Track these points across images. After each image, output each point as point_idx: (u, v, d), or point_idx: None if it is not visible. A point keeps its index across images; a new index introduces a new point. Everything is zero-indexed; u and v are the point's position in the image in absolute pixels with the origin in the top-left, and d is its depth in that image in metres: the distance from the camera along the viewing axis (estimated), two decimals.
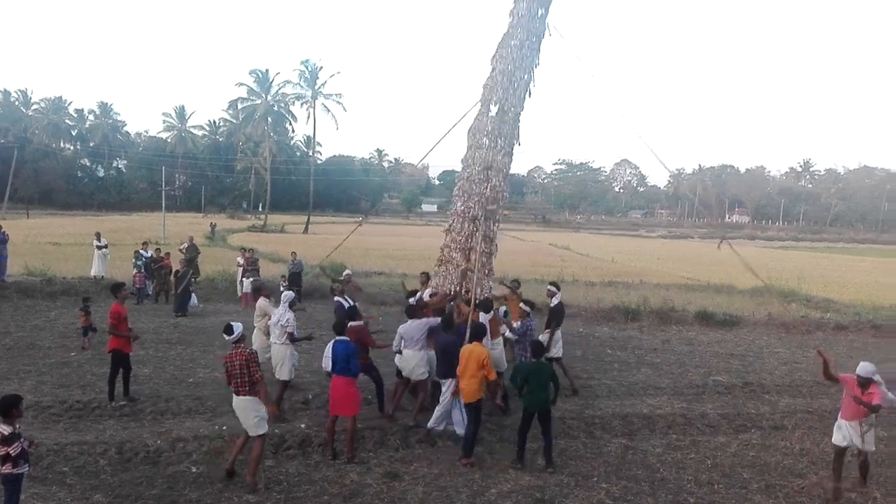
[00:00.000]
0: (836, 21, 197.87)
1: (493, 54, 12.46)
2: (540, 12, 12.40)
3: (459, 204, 11.99)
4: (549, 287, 12.73)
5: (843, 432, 8.37)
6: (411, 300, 11.49)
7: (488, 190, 12.08)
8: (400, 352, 10.38)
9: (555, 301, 12.34)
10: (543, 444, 8.67)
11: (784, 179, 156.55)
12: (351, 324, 10.01)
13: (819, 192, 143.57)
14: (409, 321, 10.30)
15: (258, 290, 12.35)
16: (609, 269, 34.71)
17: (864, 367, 8.32)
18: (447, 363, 9.45)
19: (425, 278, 12.95)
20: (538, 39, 12.38)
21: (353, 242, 22.55)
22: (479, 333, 9.24)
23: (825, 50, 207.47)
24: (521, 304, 11.40)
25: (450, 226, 12.10)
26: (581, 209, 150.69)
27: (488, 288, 12.42)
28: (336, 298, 12.57)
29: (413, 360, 10.15)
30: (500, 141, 12.16)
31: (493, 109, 12.20)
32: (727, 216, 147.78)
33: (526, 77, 12.32)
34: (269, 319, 11.05)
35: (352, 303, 12.48)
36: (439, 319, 10.24)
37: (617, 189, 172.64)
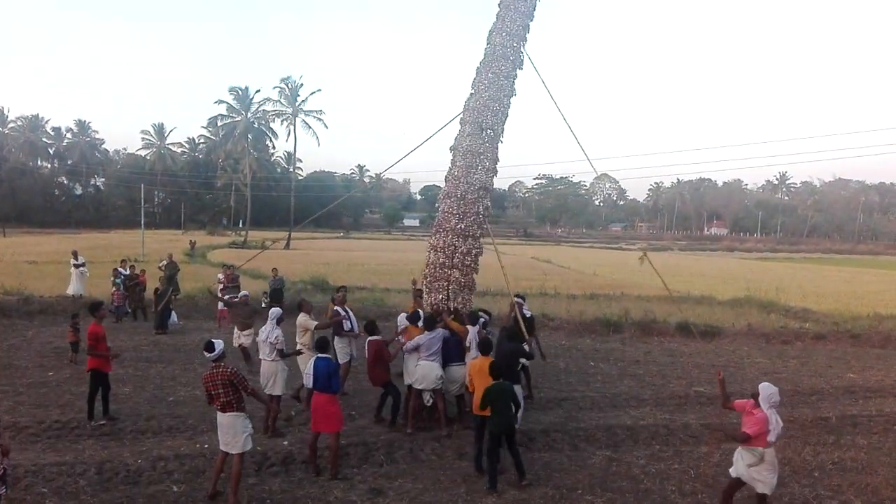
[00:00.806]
0: (808, 38, 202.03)
1: (473, 78, 12.72)
2: (515, 44, 12.81)
3: (454, 221, 12.06)
4: (517, 299, 12.94)
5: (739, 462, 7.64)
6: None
7: (481, 209, 12.28)
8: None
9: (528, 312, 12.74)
10: (514, 461, 8.65)
11: (761, 192, 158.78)
12: (370, 338, 10.59)
13: (796, 205, 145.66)
14: (428, 332, 10.45)
15: (300, 305, 12.14)
16: (590, 281, 34.89)
17: (761, 388, 7.48)
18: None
19: (418, 293, 13.04)
20: (514, 68, 12.73)
21: (336, 257, 22.57)
22: (486, 347, 9.52)
23: (796, 65, 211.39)
24: (480, 312, 11.69)
25: (444, 243, 12.13)
26: (562, 223, 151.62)
27: (471, 302, 12.52)
28: (335, 308, 12.49)
29: (433, 371, 10.38)
30: (487, 162, 12.35)
31: (484, 131, 12.38)
32: (706, 228, 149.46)
33: (506, 101, 12.63)
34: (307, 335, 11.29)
35: (350, 314, 12.46)
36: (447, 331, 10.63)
37: (597, 203, 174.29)
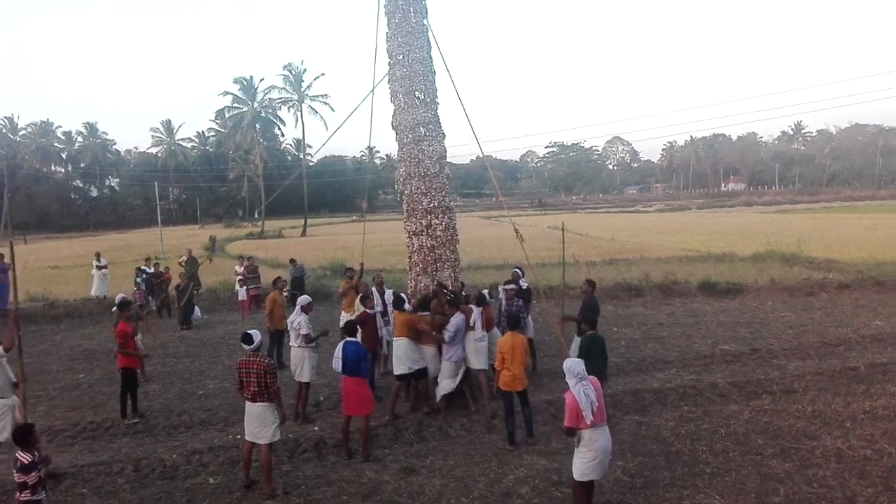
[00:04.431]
0: None
1: (386, 47, 12.47)
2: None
3: (426, 201, 11.94)
4: (515, 270, 12.99)
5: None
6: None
7: (444, 179, 12.17)
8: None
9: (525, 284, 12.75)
10: (526, 418, 9.23)
11: (777, 144, 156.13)
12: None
13: (813, 154, 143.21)
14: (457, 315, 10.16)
15: (363, 299, 12.06)
16: (609, 247, 34.70)
17: (564, 367, 6.82)
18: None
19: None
20: (422, 18, 12.41)
21: (354, 241, 22.63)
22: (514, 322, 9.35)
23: (803, 11, 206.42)
24: (505, 287, 11.81)
25: (422, 225, 11.99)
26: (576, 190, 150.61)
27: (460, 280, 12.49)
28: (372, 289, 12.43)
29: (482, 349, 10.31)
30: (434, 128, 12.20)
31: (418, 99, 12.16)
32: (723, 185, 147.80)
33: (428, 60, 12.35)
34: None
35: (385, 296, 12.29)
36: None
37: (611, 167, 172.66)
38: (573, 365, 6.72)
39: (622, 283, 21.19)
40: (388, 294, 12.22)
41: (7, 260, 21.44)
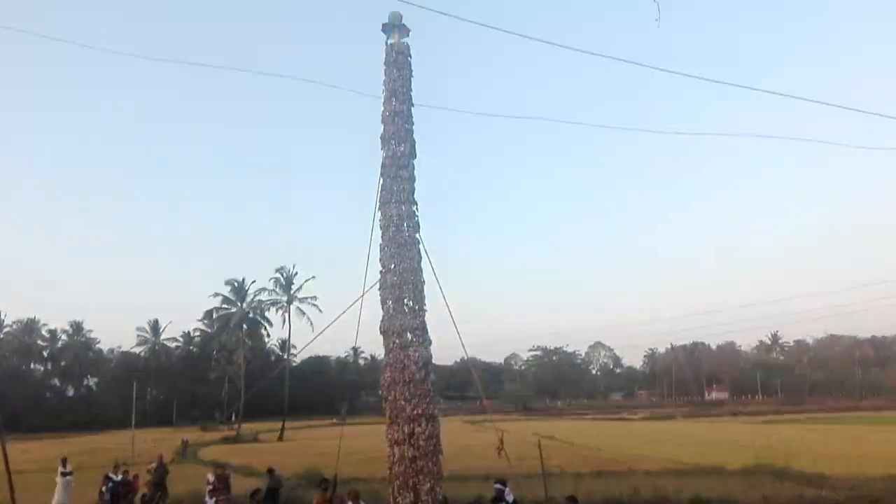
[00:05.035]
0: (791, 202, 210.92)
1: (379, 256, 13.17)
2: (409, 209, 13.40)
3: (409, 408, 11.93)
4: (497, 486, 12.71)
5: None
6: None
7: (430, 385, 12.27)
8: None
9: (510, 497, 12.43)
10: None
11: (755, 353, 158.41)
12: None
13: (792, 364, 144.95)
14: None
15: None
16: (595, 457, 33.83)
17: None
18: None
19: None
20: (415, 233, 13.22)
21: (332, 446, 22.03)
22: None
23: (780, 229, 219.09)
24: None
25: (404, 433, 11.84)
26: (561, 394, 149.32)
27: (441, 494, 12.13)
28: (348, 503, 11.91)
29: None
30: (421, 335, 12.50)
31: (406, 306, 12.59)
32: (706, 393, 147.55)
33: (418, 269, 12.96)
34: None
35: None
36: None
37: (594, 372, 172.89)
38: None
39: (610, 498, 20.44)
40: None
41: None
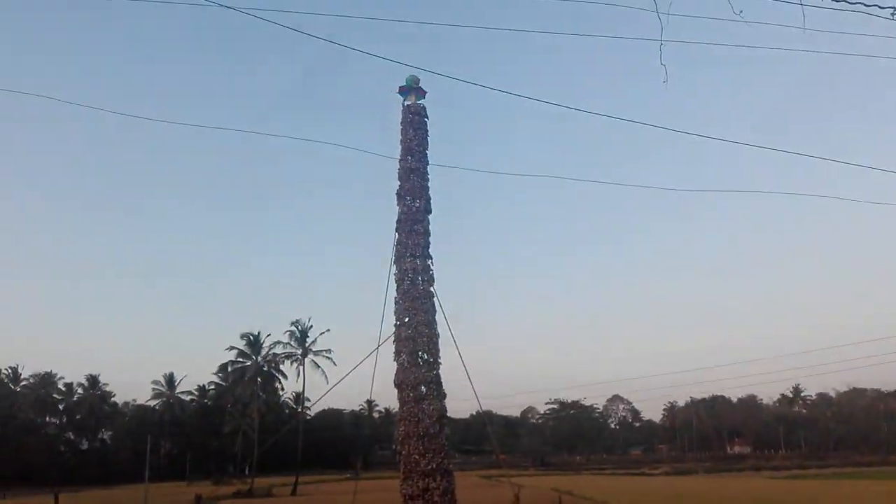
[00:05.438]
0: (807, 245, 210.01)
1: (394, 309, 13.38)
2: (424, 263, 13.64)
3: (424, 463, 11.92)
4: None
5: None
6: None
7: (444, 440, 12.28)
8: None
9: None
10: None
11: (777, 407, 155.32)
12: None
13: (815, 417, 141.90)
14: None
15: None
16: None
17: None
18: None
19: None
20: (430, 285, 13.43)
21: (347, 502, 21.88)
22: None
23: (797, 281, 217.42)
24: None
25: (419, 488, 11.81)
26: (579, 449, 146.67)
27: None
28: None
29: None
30: (435, 389, 12.57)
31: (421, 359, 12.71)
32: (728, 447, 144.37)
33: (433, 323, 13.13)
34: None
35: None
36: None
37: (612, 426, 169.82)
38: None
39: None
40: None
41: None
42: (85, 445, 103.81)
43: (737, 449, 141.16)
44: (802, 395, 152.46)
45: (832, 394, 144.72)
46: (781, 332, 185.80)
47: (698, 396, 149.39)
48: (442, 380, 12.91)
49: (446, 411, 12.79)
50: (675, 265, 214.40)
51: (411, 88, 15.24)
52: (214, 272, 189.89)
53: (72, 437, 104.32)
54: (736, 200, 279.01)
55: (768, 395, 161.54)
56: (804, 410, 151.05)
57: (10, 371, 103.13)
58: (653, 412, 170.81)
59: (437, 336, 13.26)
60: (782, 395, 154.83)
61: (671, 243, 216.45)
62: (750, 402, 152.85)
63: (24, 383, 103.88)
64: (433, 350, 13.02)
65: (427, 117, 15.28)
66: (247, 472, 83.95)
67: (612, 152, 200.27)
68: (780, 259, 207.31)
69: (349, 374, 15.47)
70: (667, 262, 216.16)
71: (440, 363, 13.09)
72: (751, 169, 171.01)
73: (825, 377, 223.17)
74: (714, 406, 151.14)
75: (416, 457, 12.03)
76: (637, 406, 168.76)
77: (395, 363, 13.13)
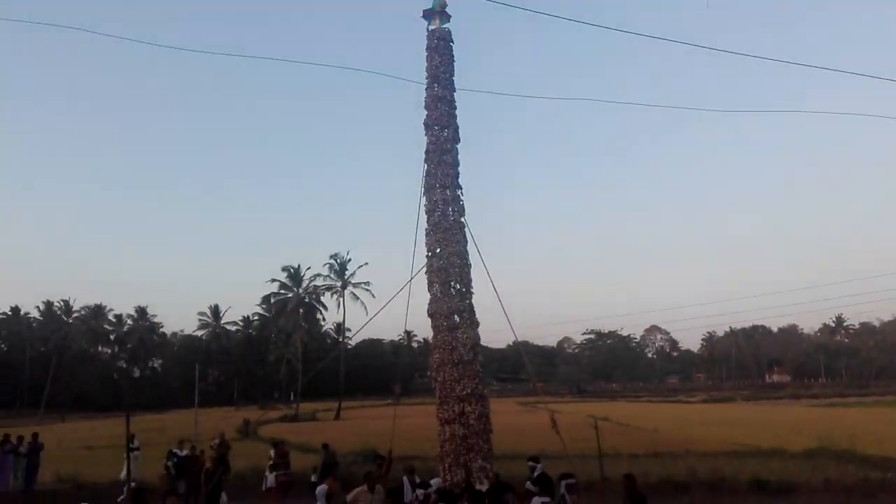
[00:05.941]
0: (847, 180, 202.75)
1: (425, 239, 13.22)
2: (453, 194, 13.38)
3: (459, 388, 12.00)
4: (530, 464, 12.60)
5: None
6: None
7: (478, 367, 12.30)
8: None
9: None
10: None
11: (819, 336, 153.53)
12: None
13: (857, 347, 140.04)
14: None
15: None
16: (652, 438, 33.41)
17: None
18: None
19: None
20: (460, 216, 13.20)
21: (386, 426, 22.35)
22: None
23: (839, 207, 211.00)
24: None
25: (455, 412, 11.90)
26: (615, 377, 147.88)
27: (493, 472, 12.15)
28: (404, 478, 12.00)
29: None
30: (468, 317, 12.53)
31: (453, 288, 12.62)
32: (767, 376, 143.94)
33: (464, 253, 12.99)
34: None
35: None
36: None
37: (650, 355, 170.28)
38: None
39: (667, 479, 20.19)
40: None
41: (41, 440, 21.65)
42: (137, 373, 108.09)
43: (776, 378, 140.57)
44: (845, 324, 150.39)
45: (876, 323, 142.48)
46: (824, 261, 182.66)
47: (738, 327, 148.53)
48: (475, 309, 12.86)
49: (479, 339, 12.80)
50: (715, 195, 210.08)
51: (436, 12, 14.64)
52: (256, 207, 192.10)
53: (124, 365, 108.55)
54: (778, 121, 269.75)
55: (809, 325, 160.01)
56: (846, 340, 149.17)
57: (62, 303, 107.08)
58: (691, 343, 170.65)
59: (468, 266, 13.17)
60: (824, 324, 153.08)
61: (710, 171, 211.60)
62: (791, 332, 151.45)
63: (76, 315, 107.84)
64: (465, 280, 12.94)
65: (453, 41, 14.72)
66: (291, 398, 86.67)
67: (655, 72, 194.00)
68: (823, 187, 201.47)
69: (386, 306, 15.49)
70: (708, 191, 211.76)
71: (472, 293, 13.04)
72: (799, 90, 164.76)
73: (870, 306, 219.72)
74: (754, 336, 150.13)
75: (452, 383, 12.13)
76: (675, 336, 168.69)
77: (428, 293, 13.07)
